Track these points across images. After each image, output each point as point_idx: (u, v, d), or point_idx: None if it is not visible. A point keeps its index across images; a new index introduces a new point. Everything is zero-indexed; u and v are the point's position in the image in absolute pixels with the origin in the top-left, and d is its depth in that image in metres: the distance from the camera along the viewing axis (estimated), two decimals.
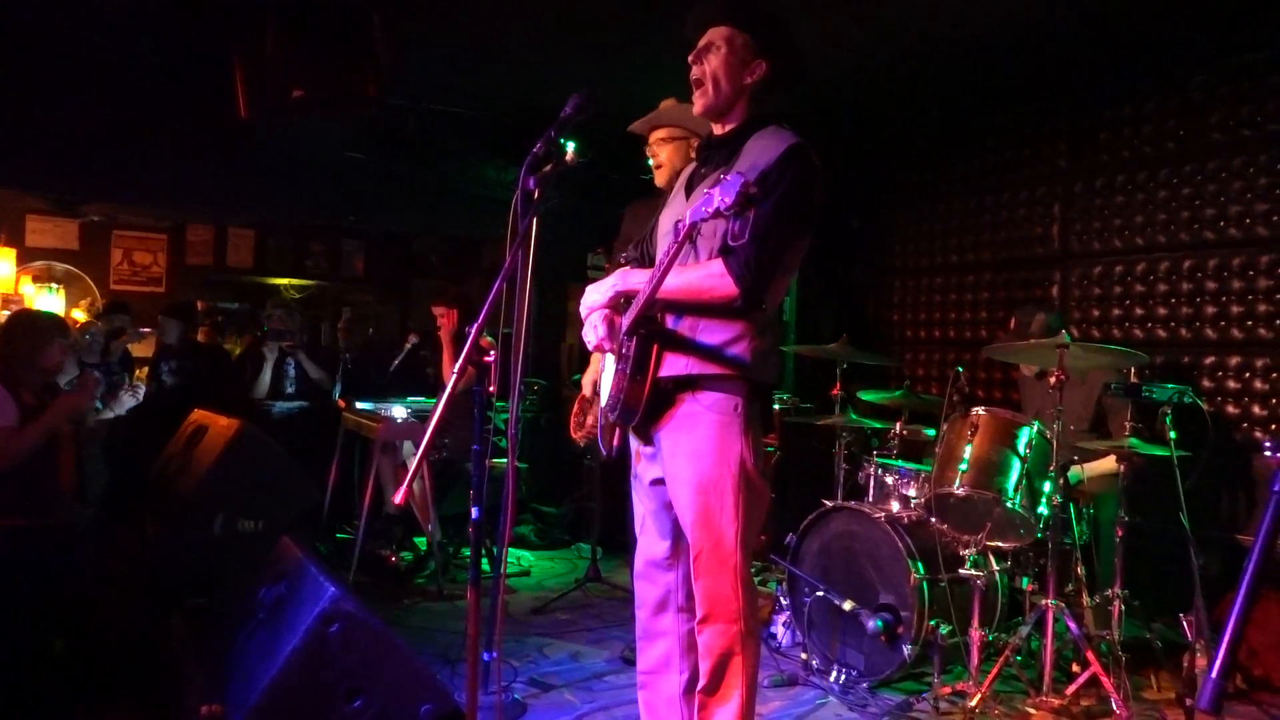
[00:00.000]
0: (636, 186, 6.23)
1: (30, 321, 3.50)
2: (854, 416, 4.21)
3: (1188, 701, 3.15)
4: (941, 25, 4.38)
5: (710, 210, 1.96)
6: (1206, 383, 4.56)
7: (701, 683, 2.34)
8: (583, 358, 6.63)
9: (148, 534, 4.22)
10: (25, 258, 7.53)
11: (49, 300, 7.51)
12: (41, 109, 5.14)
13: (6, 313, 6.78)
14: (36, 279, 7.61)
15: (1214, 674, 1.23)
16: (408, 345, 5.96)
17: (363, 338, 8.01)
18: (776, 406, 5.16)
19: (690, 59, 2.36)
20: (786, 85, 2.40)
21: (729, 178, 1.94)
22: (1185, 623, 3.19)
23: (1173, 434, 3.26)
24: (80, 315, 7.40)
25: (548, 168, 2.22)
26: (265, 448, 4.01)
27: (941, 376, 5.90)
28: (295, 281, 8.87)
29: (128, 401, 4.00)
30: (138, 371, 5.95)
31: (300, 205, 6.89)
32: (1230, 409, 4.48)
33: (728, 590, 2.27)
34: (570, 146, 2.26)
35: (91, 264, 7.97)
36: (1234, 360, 4.49)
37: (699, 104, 2.37)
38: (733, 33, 2.32)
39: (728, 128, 2.39)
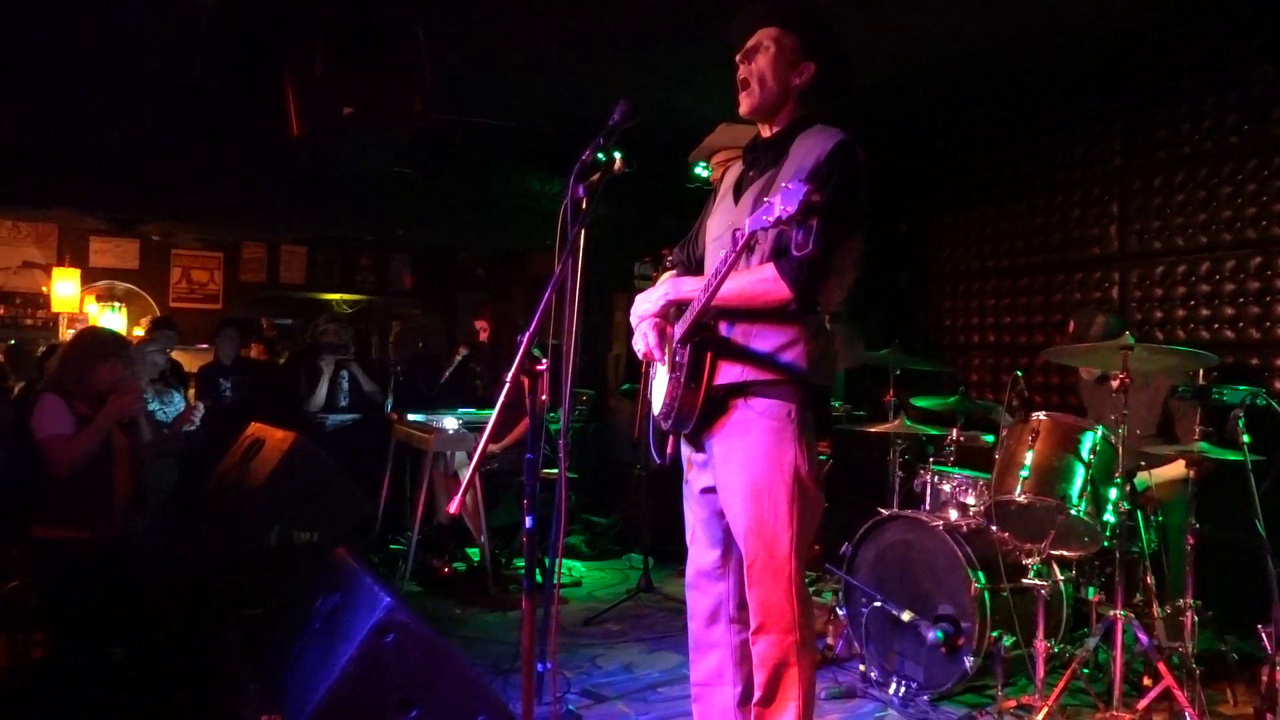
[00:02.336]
0: (680, 196, 6.25)
1: (90, 340, 3.59)
2: (908, 423, 4.13)
3: (1267, 716, 3.01)
4: (988, 23, 4.29)
5: (771, 219, 1.91)
6: (1279, 384, 4.39)
7: (757, 694, 2.30)
8: (630, 368, 6.63)
9: (205, 545, 4.29)
10: (89, 277, 7.78)
11: (111, 318, 7.74)
12: (100, 133, 5.30)
13: (72, 331, 7.01)
14: (99, 298, 7.85)
15: None
16: (457, 357, 6.01)
17: (412, 350, 8.10)
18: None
19: (738, 59, 2.34)
20: (834, 89, 2.36)
21: (791, 185, 1.88)
22: (1263, 634, 3.05)
23: (1246, 437, 3.14)
24: (141, 332, 7.60)
25: (595, 176, 2.20)
26: (320, 460, 4.05)
27: (996, 382, 5.77)
28: (345, 296, 9.03)
29: (197, 417, 4.12)
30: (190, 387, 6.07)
31: (349, 221, 7.01)
32: None
33: (782, 599, 2.24)
34: (618, 155, 2.24)
35: (151, 282, 8.21)
36: None
37: (745, 103, 2.34)
38: (781, 34, 2.30)
39: (774, 130, 2.36)
